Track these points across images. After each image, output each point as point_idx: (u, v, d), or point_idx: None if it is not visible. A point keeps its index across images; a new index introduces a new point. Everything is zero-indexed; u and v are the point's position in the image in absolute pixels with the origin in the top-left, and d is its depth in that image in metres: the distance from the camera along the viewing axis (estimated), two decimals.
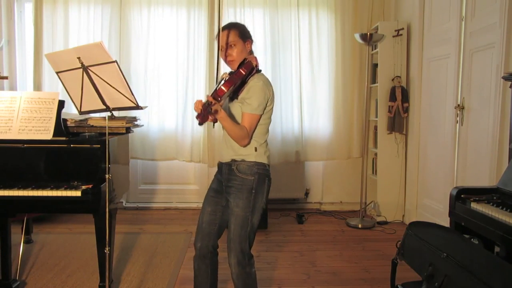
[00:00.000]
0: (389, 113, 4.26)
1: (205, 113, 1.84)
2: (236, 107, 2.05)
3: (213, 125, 2.14)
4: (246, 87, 2.02)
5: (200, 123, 1.88)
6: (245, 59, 2.06)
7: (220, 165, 2.13)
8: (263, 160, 2.06)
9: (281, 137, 4.61)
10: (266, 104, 2.04)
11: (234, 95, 2.05)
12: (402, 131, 4.26)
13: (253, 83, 2.01)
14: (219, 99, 1.88)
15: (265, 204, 2.07)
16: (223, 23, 2.13)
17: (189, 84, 4.53)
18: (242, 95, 2.02)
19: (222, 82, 1.94)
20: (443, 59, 3.64)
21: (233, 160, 2.04)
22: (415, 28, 4.12)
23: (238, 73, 1.97)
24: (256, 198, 2.02)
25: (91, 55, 2.02)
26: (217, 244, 2.16)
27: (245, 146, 2.02)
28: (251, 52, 2.13)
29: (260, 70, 2.11)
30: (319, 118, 4.67)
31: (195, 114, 1.88)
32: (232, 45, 2.05)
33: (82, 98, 2.19)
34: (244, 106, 2.01)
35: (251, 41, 2.13)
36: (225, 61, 2.09)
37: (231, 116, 2.03)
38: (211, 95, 1.88)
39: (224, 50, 2.06)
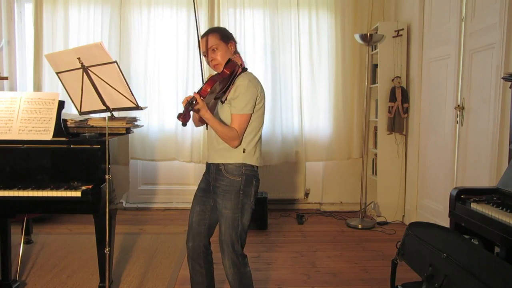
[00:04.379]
0: (389, 113, 4.26)
1: (186, 112, 1.82)
2: (225, 110, 2.03)
3: (206, 126, 2.10)
4: (233, 88, 2.01)
5: (183, 123, 1.83)
6: (229, 59, 2.06)
7: (208, 165, 2.15)
8: (252, 161, 2.04)
9: (281, 137, 4.61)
10: (255, 102, 2.02)
11: (221, 97, 2.03)
12: (402, 132, 4.26)
13: (239, 82, 2.00)
14: (202, 98, 1.89)
15: (253, 205, 2.06)
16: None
17: (189, 84, 4.53)
18: (229, 96, 2.01)
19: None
20: (443, 60, 3.64)
21: (222, 162, 2.05)
22: (415, 28, 4.11)
23: (222, 73, 1.99)
24: (244, 199, 2.01)
25: (91, 55, 2.02)
26: (208, 243, 2.18)
27: (236, 147, 2.01)
28: (235, 53, 2.13)
29: (246, 69, 2.10)
30: (319, 118, 4.67)
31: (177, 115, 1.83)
32: (215, 49, 2.04)
33: (82, 98, 2.19)
34: (232, 107, 2.00)
35: (235, 42, 2.12)
36: (212, 67, 2.09)
37: (222, 120, 2.01)
38: (197, 93, 1.90)
39: (207, 56, 2.07)
